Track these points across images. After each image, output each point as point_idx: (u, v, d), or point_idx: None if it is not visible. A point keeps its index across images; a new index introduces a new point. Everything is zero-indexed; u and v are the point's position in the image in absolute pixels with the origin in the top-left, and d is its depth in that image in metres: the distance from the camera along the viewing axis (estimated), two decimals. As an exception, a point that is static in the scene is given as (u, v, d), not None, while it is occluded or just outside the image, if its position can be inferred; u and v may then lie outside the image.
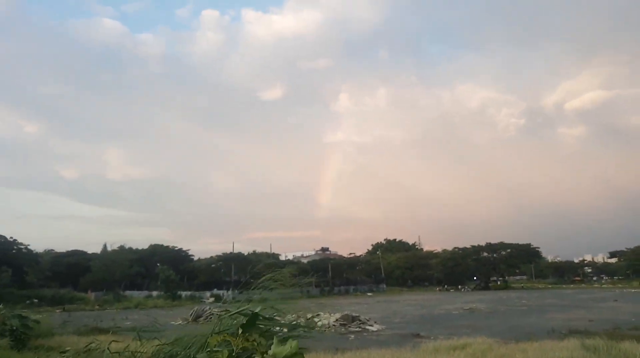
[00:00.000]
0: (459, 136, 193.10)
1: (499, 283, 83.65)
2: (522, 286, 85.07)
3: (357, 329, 22.89)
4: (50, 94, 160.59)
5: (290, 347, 3.81)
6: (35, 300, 51.01)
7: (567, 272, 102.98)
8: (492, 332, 19.62)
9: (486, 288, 79.38)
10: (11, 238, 60.26)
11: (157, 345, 5.33)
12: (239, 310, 5.27)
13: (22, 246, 61.57)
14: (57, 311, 42.77)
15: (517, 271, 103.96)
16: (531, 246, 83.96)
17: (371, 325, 23.68)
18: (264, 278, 6.19)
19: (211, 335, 4.96)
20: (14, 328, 14.28)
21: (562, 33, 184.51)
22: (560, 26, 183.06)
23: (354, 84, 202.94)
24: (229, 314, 5.32)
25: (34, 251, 66.98)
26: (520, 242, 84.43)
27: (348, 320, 24.45)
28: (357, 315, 25.77)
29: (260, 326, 5.25)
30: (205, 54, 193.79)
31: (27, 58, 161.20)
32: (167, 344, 5.35)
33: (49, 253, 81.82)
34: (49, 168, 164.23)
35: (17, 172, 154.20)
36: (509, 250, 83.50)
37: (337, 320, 24.76)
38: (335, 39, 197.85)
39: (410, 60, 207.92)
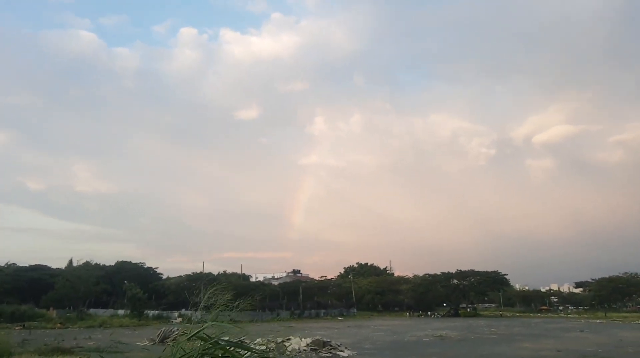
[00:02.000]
0: (431, 163, 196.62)
1: (468, 310, 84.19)
2: (502, 314, 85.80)
3: (328, 355, 22.65)
4: (19, 104, 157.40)
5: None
6: (-7, 316, 49.03)
7: (534, 301, 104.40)
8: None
9: (456, 315, 79.77)
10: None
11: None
12: (195, 332, 5.18)
13: (-19, 259, 59.37)
14: (17, 328, 41.16)
15: (486, 298, 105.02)
16: (500, 274, 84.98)
17: (342, 351, 23.47)
18: (206, 296, 6.09)
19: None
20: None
21: (530, 68, 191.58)
22: (528, 61, 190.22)
23: (329, 108, 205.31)
24: (187, 337, 5.23)
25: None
26: (489, 270, 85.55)
27: (319, 345, 24.19)
28: (329, 340, 25.54)
29: (226, 352, 5.16)
30: (181, 72, 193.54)
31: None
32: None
33: (10, 266, 78.95)
34: (14, 179, 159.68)
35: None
36: (478, 277, 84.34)
37: (307, 345, 24.48)
38: (312, 63, 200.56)
39: (385, 87, 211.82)
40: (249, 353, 5.43)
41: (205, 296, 6.01)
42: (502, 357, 21.79)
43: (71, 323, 48.88)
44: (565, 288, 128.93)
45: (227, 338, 5.56)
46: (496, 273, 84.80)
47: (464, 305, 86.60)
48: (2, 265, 75.50)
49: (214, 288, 6.05)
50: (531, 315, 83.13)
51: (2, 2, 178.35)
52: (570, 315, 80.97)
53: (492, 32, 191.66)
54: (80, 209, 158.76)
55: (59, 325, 47.46)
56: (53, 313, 58.63)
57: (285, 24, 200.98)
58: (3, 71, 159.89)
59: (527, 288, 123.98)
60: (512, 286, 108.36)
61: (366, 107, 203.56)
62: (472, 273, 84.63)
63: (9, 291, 68.69)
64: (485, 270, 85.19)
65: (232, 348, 5.19)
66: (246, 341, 5.77)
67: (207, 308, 6.33)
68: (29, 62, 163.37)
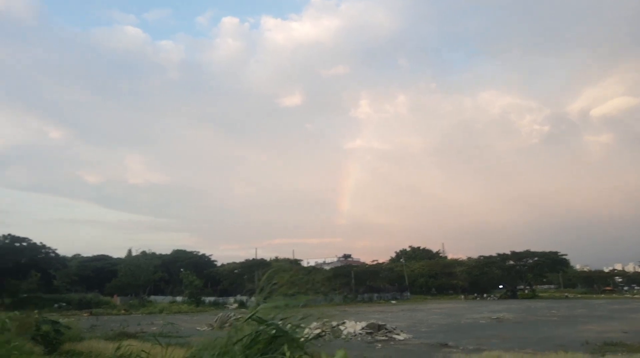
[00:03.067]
0: (481, 143, 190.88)
1: (526, 291, 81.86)
2: (563, 295, 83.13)
3: (384, 338, 22.52)
4: (74, 101, 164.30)
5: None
6: (64, 304, 51.97)
7: (596, 281, 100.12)
8: (523, 343, 19.09)
9: (513, 297, 77.78)
10: (40, 243, 61.44)
11: (188, 351, 5.26)
12: (251, 314, 5.16)
13: (50, 251, 62.66)
14: (85, 315, 43.43)
15: (544, 280, 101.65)
16: (559, 255, 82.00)
17: (398, 334, 23.27)
18: (264, 278, 6.03)
19: (235, 344, 4.87)
20: (46, 333, 14.41)
21: (585, 39, 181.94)
22: (583, 32, 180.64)
23: (373, 91, 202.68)
24: (244, 321, 5.22)
25: (62, 256, 68.15)
26: (547, 250, 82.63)
27: (374, 328, 24.10)
28: (384, 323, 25.39)
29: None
30: (224, 61, 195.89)
31: (52, 66, 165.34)
32: (197, 350, 5.28)
33: (76, 257, 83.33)
34: (74, 174, 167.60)
35: (44, 178, 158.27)
36: (536, 258, 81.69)
37: (363, 328, 24.44)
38: (354, 46, 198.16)
39: (430, 67, 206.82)
40: (305, 332, 5.37)
41: (261, 281, 5.97)
42: (564, 339, 20.95)
43: (134, 310, 51.16)
44: (630, 268, 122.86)
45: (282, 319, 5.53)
46: (555, 253, 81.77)
47: (522, 287, 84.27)
48: (69, 256, 79.63)
49: (270, 271, 6.01)
50: (594, 296, 79.93)
51: (55, 5, 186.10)
52: (637, 296, 77.28)
53: (543, 3, 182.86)
54: (135, 200, 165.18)
55: (123, 311, 49.76)
56: (117, 300, 61.56)
57: (326, 8, 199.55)
58: (58, 70, 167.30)
59: (588, 268, 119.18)
60: (572, 267, 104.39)
61: (411, 88, 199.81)
62: (529, 253, 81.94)
63: (76, 281, 72.63)
64: (543, 251, 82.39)
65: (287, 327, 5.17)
66: (302, 325, 5.69)
67: (265, 293, 6.31)
68: (81, 60, 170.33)
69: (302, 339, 5.37)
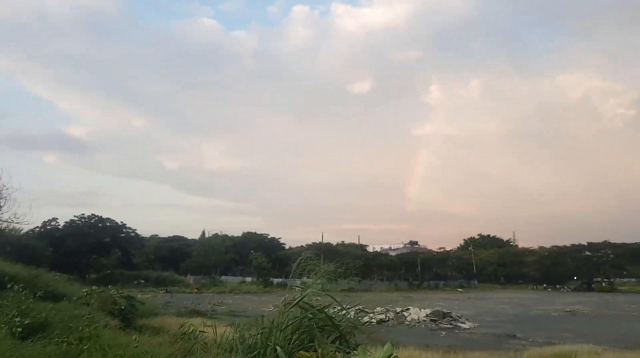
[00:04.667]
0: (560, 128, 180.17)
1: (603, 284, 77.56)
2: None
3: (448, 326, 22.33)
4: (156, 91, 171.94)
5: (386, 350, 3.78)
6: (142, 281, 55.25)
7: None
8: (599, 339, 18.23)
9: (589, 289, 73.97)
10: (121, 222, 65.44)
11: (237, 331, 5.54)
12: (297, 301, 5.32)
13: (131, 231, 66.61)
14: (161, 292, 46.00)
15: (624, 273, 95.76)
16: (642, 246, 76.88)
17: (463, 323, 22.98)
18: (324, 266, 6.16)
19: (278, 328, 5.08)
20: (123, 308, 15.46)
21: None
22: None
23: (445, 75, 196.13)
24: (291, 306, 5.37)
25: (141, 236, 72.26)
26: (628, 241, 77.74)
27: (439, 316, 23.93)
28: (449, 311, 25.14)
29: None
30: (295, 49, 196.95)
31: (136, 59, 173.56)
32: (241, 330, 5.55)
33: (154, 238, 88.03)
34: (154, 160, 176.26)
35: (127, 163, 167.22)
36: (615, 250, 77.10)
37: (427, 315, 24.32)
38: (426, 30, 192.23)
39: (505, 49, 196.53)
40: (364, 318, 5.51)
41: (294, 267, 6.22)
42: (646, 336, 19.80)
43: (205, 289, 53.58)
44: None
45: (333, 308, 5.69)
46: (637, 244, 76.78)
47: (598, 279, 79.90)
48: (147, 236, 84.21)
49: (301, 258, 6.26)
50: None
51: (138, 1, 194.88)
52: None
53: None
54: (210, 185, 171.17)
55: (195, 290, 52.29)
56: (190, 279, 64.70)
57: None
58: (142, 63, 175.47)
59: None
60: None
61: (485, 72, 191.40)
62: (607, 245, 77.48)
63: (153, 260, 76.95)
64: (623, 242, 77.61)
65: (332, 310, 5.36)
66: (366, 310, 5.83)
67: (326, 277, 6.50)
68: (163, 52, 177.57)
69: (354, 326, 5.48)
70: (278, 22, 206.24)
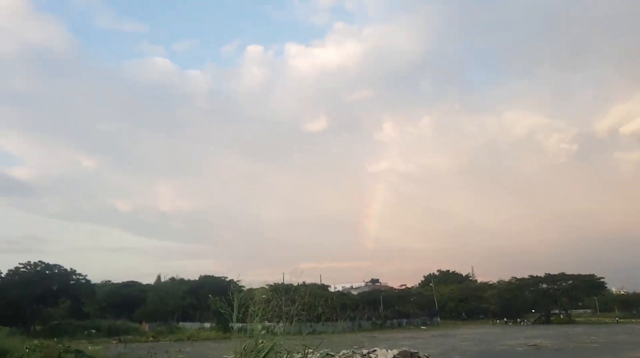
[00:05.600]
0: (508, 163, 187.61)
1: (561, 316, 79.00)
2: (600, 320, 79.97)
3: (417, 367, 21.76)
4: (106, 130, 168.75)
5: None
6: (93, 331, 52.27)
7: (635, 305, 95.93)
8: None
9: (547, 322, 75.13)
10: (71, 268, 62.03)
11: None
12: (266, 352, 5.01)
13: (81, 277, 63.26)
14: (114, 342, 43.48)
15: (579, 304, 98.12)
16: (595, 278, 79.16)
17: (431, 363, 22.47)
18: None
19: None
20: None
21: (611, 54, 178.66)
22: (608, 47, 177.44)
23: (396, 113, 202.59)
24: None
25: (92, 283, 68.83)
26: (582, 272, 79.91)
27: (407, 356, 23.33)
28: (416, 351, 24.59)
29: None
30: (250, 89, 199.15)
31: (85, 98, 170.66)
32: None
33: (106, 284, 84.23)
34: (105, 201, 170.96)
35: (76, 205, 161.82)
36: (570, 281, 78.90)
37: (395, 356, 23.68)
38: (377, 70, 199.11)
39: (453, 87, 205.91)
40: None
41: (286, 308, 5.79)
42: (611, 368, 19.87)
43: (162, 337, 51.03)
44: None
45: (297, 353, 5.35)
46: (591, 276, 78.95)
47: (556, 311, 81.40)
48: (99, 282, 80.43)
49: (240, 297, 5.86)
50: (633, 320, 76.57)
51: (89, 40, 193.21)
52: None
53: (567, 19, 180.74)
54: (164, 227, 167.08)
55: (151, 338, 49.72)
56: (145, 326, 61.65)
57: (349, 33, 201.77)
58: (92, 102, 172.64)
59: (624, 291, 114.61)
60: (608, 289, 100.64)
61: (435, 109, 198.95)
62: (563, 276, 79.27)
63: (105, 307, 73.23)
64: (578, 273, 79.71)
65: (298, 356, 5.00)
66: (331, 353, 5.48)
67: (288, 319, 6.11)
68: (114, 90, 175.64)
69: None
70: (232, 62, 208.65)
